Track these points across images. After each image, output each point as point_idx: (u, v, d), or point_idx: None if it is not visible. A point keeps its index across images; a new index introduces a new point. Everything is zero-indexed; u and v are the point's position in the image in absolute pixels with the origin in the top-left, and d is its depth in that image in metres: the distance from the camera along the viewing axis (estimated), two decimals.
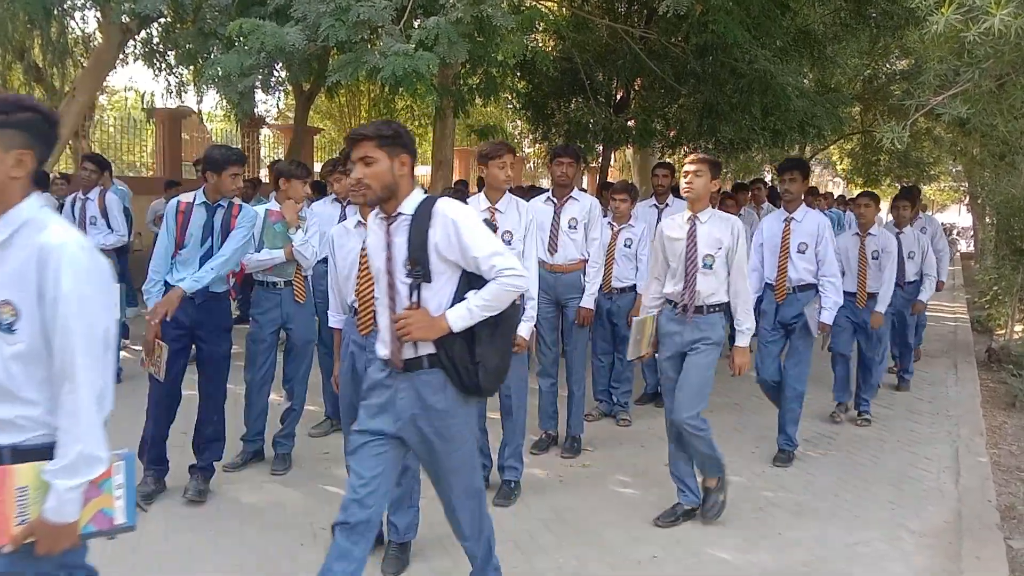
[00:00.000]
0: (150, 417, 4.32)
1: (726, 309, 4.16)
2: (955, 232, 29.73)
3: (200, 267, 4.20)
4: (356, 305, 3.57)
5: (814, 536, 4.13)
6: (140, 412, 4.38)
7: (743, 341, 4.19)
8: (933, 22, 3.65)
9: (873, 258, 6.16)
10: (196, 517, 4.13)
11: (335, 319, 3.78)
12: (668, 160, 10.44)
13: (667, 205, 6.37)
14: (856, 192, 22.99)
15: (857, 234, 6.26)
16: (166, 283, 4.23)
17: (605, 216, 5.71)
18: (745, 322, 4.17)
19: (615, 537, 4.02)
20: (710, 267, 4.07)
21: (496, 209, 4.37)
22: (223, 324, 4.38)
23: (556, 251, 5.09)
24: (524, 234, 4.33)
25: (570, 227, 5.07)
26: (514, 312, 2.79)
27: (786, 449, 5.23)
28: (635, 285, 5.71)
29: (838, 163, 27.44)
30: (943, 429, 6.13)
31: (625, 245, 5.71)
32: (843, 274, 5.67)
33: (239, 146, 15.89)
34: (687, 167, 4.15)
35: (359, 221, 3.57)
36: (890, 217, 7.46)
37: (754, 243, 5.36)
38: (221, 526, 4.05)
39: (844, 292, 5.55)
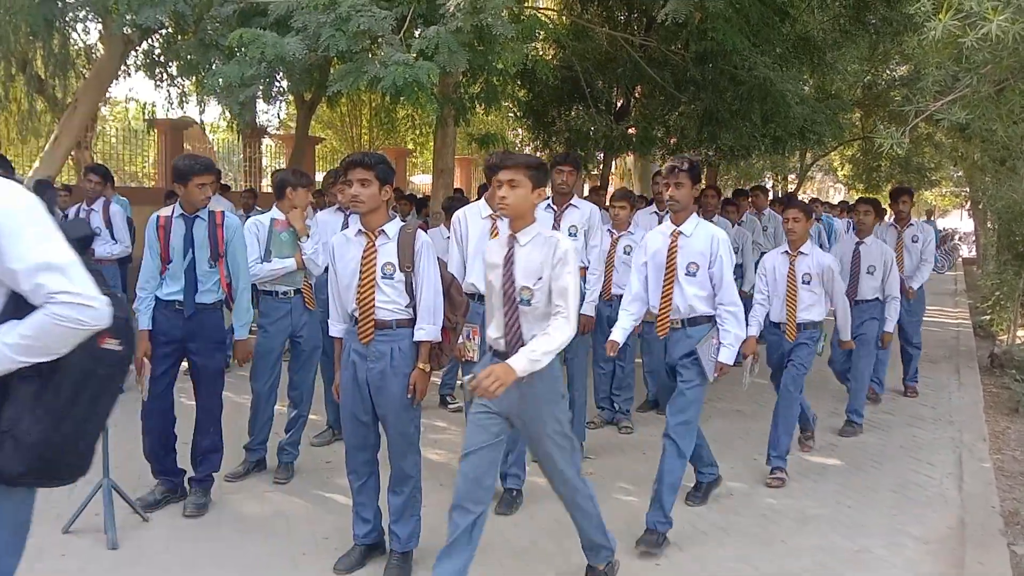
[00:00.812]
0: (144, 432, 4.32)
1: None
2: (957, 237, 29.70)
3: (184, 279, 4.21)
4: (357, 314, 3.58)
5: (817, 543, 4.12)
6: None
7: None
8: (931, 28, 3.66)
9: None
10: (198, 527, 4.13)
11: (336, 328, 3.78)
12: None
13: (668, 212, 6.37)
14: (856, 198, 23.10)
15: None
16: (156, 298, 4.24)
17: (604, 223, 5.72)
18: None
19: (620, 545, 4.00)
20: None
21: (498, 217, 4.37)
22: (216, 337, 4.32)
23: None
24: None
25: (570, 234, 5.06)
26: (109, 368, 1.97)
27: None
28: None
29: (839, 169, 27.47)
30: (946, 435, 6.12)
31: (624, 252, 5.72)
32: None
33: (240, 156, 15.96)
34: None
35: (360, 230, 3.58)
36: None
37: (635, 262, 4.51)
38: (223, 536, 4.05)
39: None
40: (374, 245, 3.54)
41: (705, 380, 4.09)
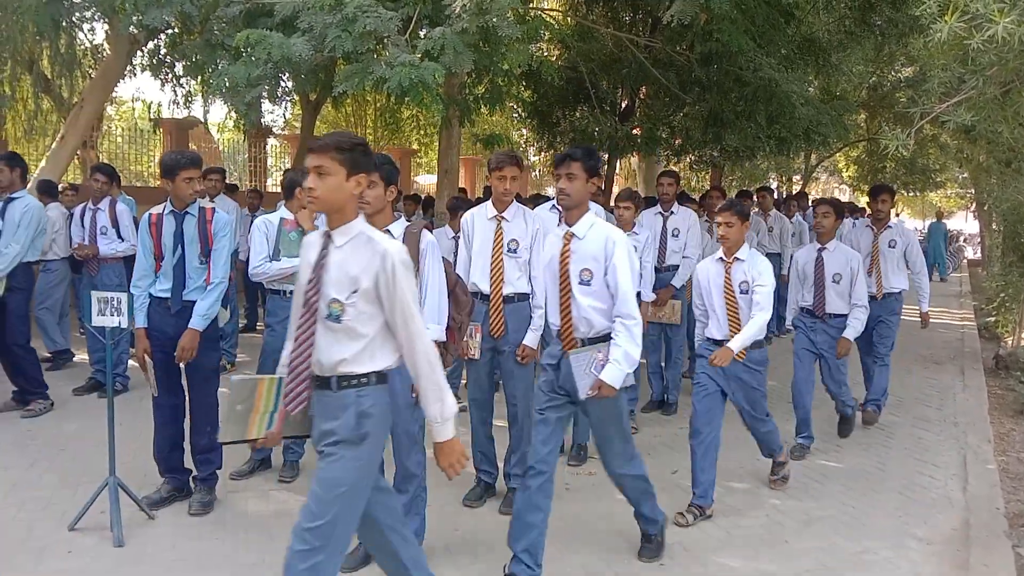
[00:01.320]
0: (155, 427, 4.35)
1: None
2: (962, 239, 29.66)
3: (172, 275, 4.22)
4: None
5: (821, 544, 4.12)
6: (150, 421, 4.41)
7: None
8: (937, 30, 3.66)
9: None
10: (203, 525, 4.14)
11: None
12: (673, 168, 10.43)
13: (672, 213, 6.38)
14: (863, 200, 23.07)
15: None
16: (150, 295, 4.26)
17: None
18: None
19: (622, 545, 4.02)
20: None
21: (503, 217, 4.39)
22: (207, 335, 4.30)
23: None
24: (531, 242, 4.35)
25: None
26: None
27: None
28: (639, 293, 5.71)
29: (844, 170, 27.43)
30: (950, 436, 6.11)
31: None
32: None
33: (245, 156, 15.98)
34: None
35: None
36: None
37: (532, 269, 4.41)
38: (228, 534, 4.06)
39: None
40: None
41: (618, 410, 3.57)
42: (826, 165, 26.84)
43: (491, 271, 4.37)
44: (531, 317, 4.38)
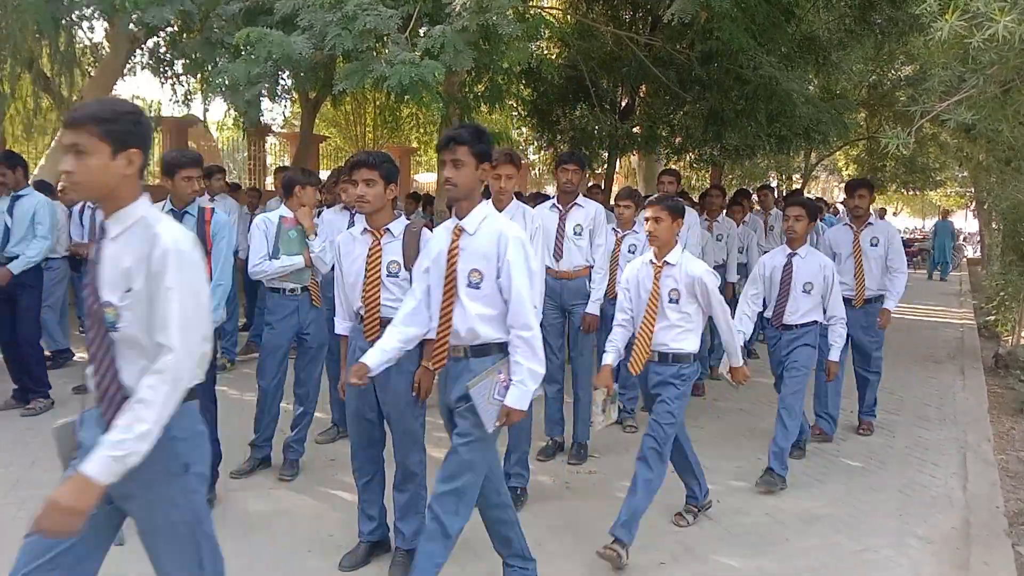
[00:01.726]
0: None
1: None
2: (962, 238, 29.66)
3: None
4: (363, 312, 3.59)
5: (822, 543, 4.12)
6: None
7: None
8: (937, 28, 3.66)
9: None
10: None
11: (342, 326, 3.79)
12: (673, 167, 10.42)
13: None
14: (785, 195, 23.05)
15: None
16: None
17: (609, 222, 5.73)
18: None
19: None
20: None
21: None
22: None
23: (561, 257, 5.11)
24: (529, 240, 4.34)
25: (575, 233, 5.09)
26: None
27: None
28: None
29: (844, 169, 27.44)
30: (950, 435, 6.11)
31: (629, 251, 5.72)
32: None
33: (245, 154, 15.98)
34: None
35: (365, 228, 3.60)
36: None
37: (416, 269, 4.06)
38: (228, 532, 4.04)
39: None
40: (379, 244, 3.57)
41: (485, 434, 3.09)
42: (826, 164, 26.84)
43: None
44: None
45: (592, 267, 5.13)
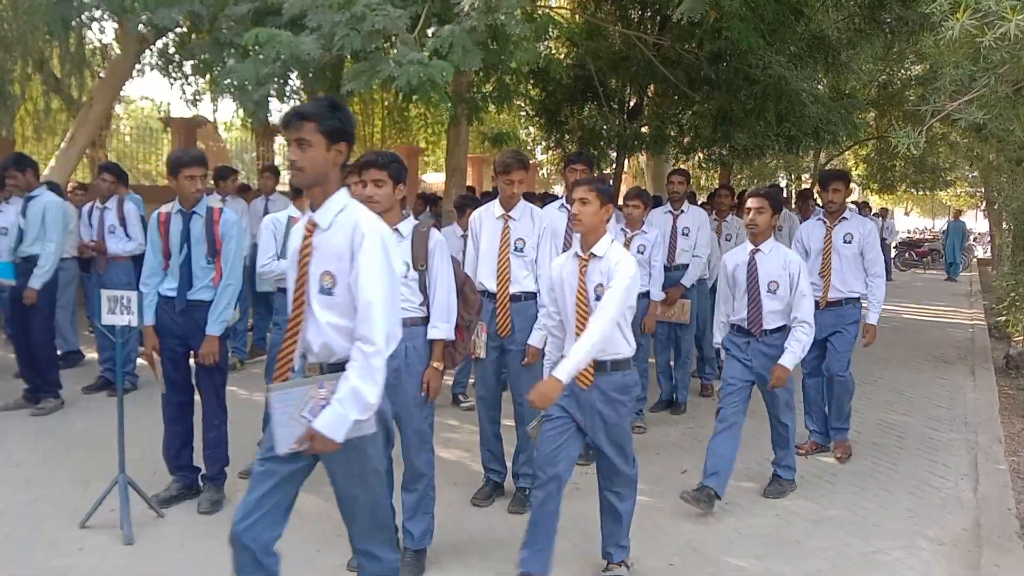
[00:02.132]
0: (164, 424, 4.37)
1: None
2: (972, 238, 29.50)
3: (179, 275, 4.24)
4: None
5: (832, 544, 4.10)
6: (159, 419, 4.43)
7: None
8: (948, 27, 3.64)
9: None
10: (213, 523, 4.14)
11: None
12: (683, 167, 10.38)
13: (682, 211, 6.36)
14: (869, 198, 22.97)
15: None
16: (159, 293, 4.29)
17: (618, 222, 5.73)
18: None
19: (632, 545, 4.00)
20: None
21: (510, 216, 4.38)
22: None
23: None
24: (538, 241, 4.35)
25: None
26: None
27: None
28: (648, 292, 5.71)
29: (853, 169, 27.36)
30: (961, 436, 6.08)
31: (638, 251, 5.70)
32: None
33: (253, 154, 16.02)
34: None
35: None
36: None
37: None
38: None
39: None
40: None
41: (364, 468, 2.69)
42: (835, 164, 26.78)
43: (498, 270, 4.36)
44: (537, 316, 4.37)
45: None
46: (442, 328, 3.60)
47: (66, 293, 7.26)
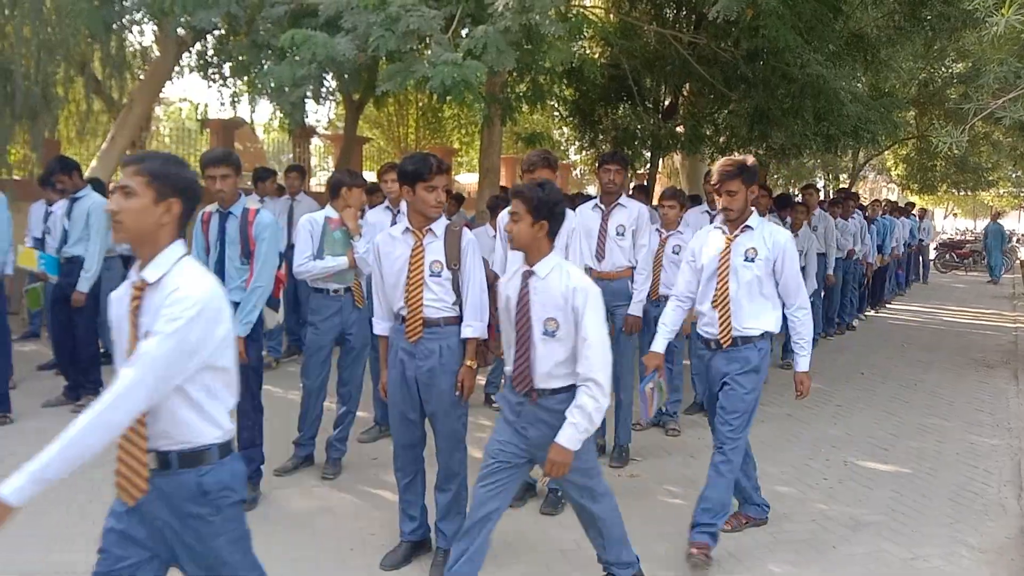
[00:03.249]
0: None
1: None
2: (1015, 239, 28.87)
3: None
4: (405, 312, 3.59)
5: (869, 551, 4.03)
6: None
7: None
8: (993, 23, 3.56)
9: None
10: (248, 523, 4.18)
11: (381, 327, 3.78)
12: None
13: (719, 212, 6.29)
14: (910, 199, 22.56)
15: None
16: None
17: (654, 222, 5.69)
18: None
19: (664, 549, 3.97)
20: None
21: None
22: (250, 334, 4.30)
23: (603, 258, 5.07)
24: (566, 242, 4.27)
25: (617, 234, 5.05)
26: None
27: None
28: None
29: (893, 169, 26.92)
30: (1004, 441, 5.95)
31: (673, 252, 5.66)
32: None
33: (290, 155, 16.17)
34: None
35: (407, 227, 3.60)
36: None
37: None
38: (271, 531, 4.09)
39: None
40: (422, 244, 3.56)
41: None
42: (874, 163, 26.37)
43: None
44: None
45: (635, 268, 5.08)
46: (476, 326, 3.59)
47: (111, 290, 7.37)
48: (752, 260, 3.77)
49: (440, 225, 3.63)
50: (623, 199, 5.15)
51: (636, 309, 5.04)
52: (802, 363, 3.90)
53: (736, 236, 3.83)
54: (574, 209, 4.77)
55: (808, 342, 3.88)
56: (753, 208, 3.87)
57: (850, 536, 4.20)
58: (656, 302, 5.67)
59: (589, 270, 5.01)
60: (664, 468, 5.17)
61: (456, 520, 3.64)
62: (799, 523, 4.34)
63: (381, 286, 3.71)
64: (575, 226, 4.36)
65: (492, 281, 3.77)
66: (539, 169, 4.24)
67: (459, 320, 3.61)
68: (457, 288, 3.60)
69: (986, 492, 4.88)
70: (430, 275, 3.54)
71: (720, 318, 3.84)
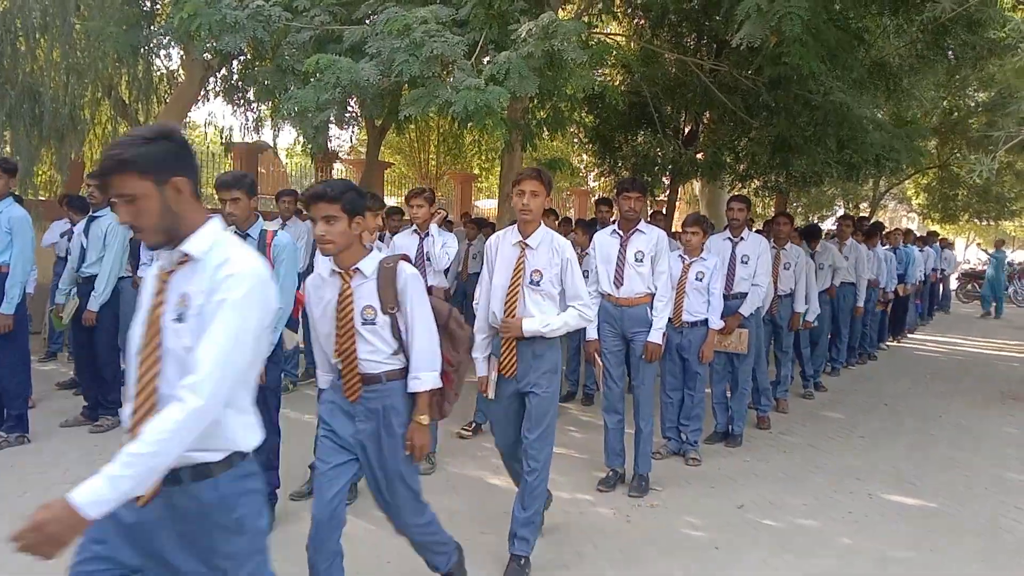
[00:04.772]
0: None
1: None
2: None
3: None
4: (340, 367, 3.11)
5: None
6: None
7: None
8: (1022, 52, 3.51)
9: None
10: None
11: (323, 379, 3.32)
12: (744, 193, 10.17)
13: (742, 239, 6.23)
14: (930, 228, 22.31)
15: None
16: None
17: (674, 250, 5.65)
18: None
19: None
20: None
21: (526, 244, 3.89)
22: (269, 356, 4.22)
23: (622, 284, 5.02)
24: (560, 274, 3.88)
25: (636, 260, 5.01)
26: None
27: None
28: (707, 319, 5.60)
29: (913, 198, 26.74)
30: None
31: (696, 278, 5.60)
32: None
33: (313, 180, 16.29)
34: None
35: (332, 268, 3.08)
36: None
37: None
38: (285, 555, 4.03)
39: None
40: (349, 286, 3.04)
41: None
42: (895, 192, 26.20)
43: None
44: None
45: (654, 295, 5.04)
46: (425, 378, 3.08)
47: (132, 311, 7.32)
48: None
49: (370, 263, 3.06)
50: (642, 225, 5.11)
51: (656, 337, 4.98)
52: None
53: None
54: (589, 235, 4.73)
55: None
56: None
57: (877, 573, 4.09)
58: (679, 329, 5.62)
59: (607, 296, 5.01)
60: (684, 497, 5.07)
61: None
62: (823, 557, 4.23)
63: (316, 335, 3.22)
64: (568, 257, 3.88)
65: (447, 315, 3.30)
66: (525, 180, 3.78)
67: (405, 372, 3.10)
68: (398, 334, 3.07)
69: (1017, 528, 4.75)
70: (362, 323, 3.02)
71: None
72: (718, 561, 4.12)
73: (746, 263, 6.18)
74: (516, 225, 3.92)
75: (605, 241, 5.10)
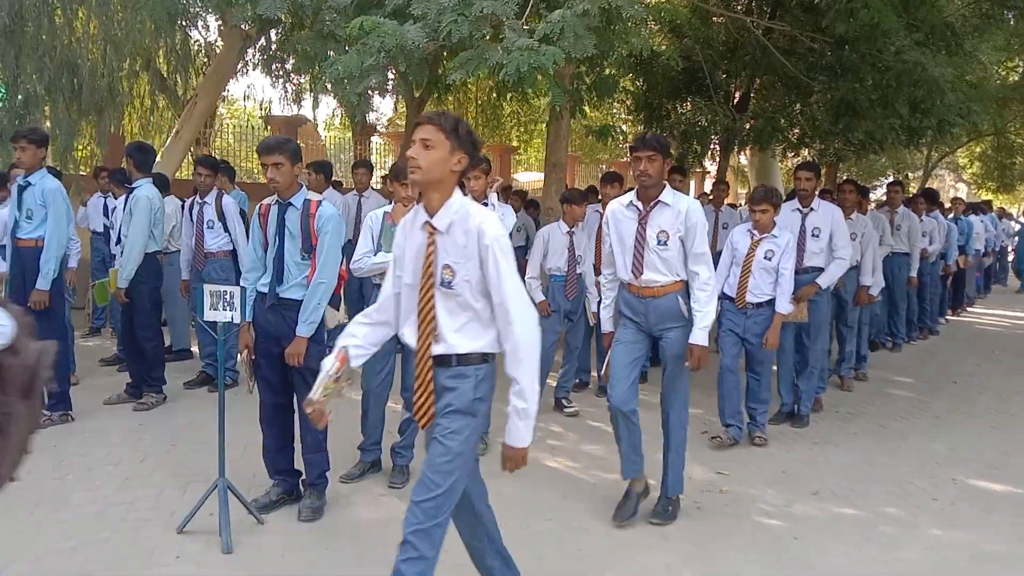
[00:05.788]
0: (261, 424, 4.19)
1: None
2: None
3: (272, 268, 4.04)
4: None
5: None
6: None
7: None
8: None
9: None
10: (313, 533, 3.94)
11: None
12: (811, 160, 9.52)
13: (812, 210, 5.82)
14: (984, 196, 21.49)
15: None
16: (256, 289, 4.13)
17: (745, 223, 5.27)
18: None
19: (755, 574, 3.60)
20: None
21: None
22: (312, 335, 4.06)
23: (641, 271, 4.01)
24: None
25: (659, 243, 3.95)
26: None
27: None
28: (772, 300, 5.24)
29: (967, 167, 25.87)
30: None
31: (765, 257, 5.23)
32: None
33: (352, 153, 16.10)
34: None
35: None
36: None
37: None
38: (338, 544, 3.84)
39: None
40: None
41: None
42: (947, 161, 25.34)
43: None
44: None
45: (684, 281, 4.03)
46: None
47: (174, 286, 7.09)
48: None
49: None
50: (667, 194, 3.98)
51: (700, 337, 3.91)
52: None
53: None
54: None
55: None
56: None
57: (972, 568, 3.75)
58: (743, 310, 5.27)
59: (626, 285, 4.12)
60: (753, 483, 4.77)
61: None
62: (913, 550, 3.91)
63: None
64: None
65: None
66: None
67: None
68: None
69: None
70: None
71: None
72: (797, 554, 3.82)
73: (817, 236, 5.77)
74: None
75: (620, 216, 4.09)
